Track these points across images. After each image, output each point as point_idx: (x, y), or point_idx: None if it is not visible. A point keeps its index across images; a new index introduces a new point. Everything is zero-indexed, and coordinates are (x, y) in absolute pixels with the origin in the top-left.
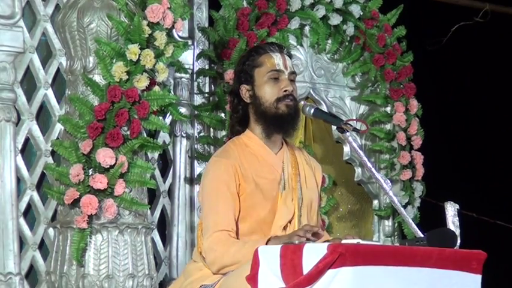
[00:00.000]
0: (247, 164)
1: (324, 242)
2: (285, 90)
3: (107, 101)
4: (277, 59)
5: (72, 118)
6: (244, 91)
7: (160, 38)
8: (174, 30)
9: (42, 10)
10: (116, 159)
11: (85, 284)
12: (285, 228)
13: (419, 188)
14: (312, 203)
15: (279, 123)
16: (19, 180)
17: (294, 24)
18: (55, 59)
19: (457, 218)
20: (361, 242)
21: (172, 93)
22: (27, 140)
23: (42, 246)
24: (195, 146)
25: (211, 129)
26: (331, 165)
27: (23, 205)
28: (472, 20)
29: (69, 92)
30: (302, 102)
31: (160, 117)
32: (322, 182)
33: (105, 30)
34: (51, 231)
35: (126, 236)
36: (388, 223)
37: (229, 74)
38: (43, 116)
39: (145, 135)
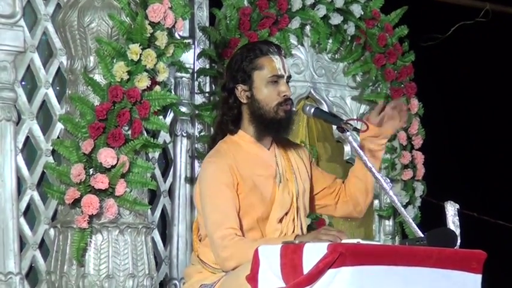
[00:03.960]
0: (243, 162)
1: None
2: (285, 95)
3: (108, 100)
4: (278, 63)
5: (73, 118)
6: (241, 91)
7: (162, 37)
8: (174, 30)
9: (42, 9)
10: (117, 159)
11: (85, 283)
12: (280, 220)
13: (420, 188)
14: (305, 192)
15: (276, 128)
16: (19, 179)
17: (295, 23)
18: (56, 58)
19: (457, 218)
20: (361, 241)
21: (173, 92)
22: (27, 140)
23: (42, 245)
24: (196, 146)
25: (212, 129)
26: (334, 164)
27: (23, 205)
28: (473, 19)
29: (70, 92)
30: (302, 102)
31: (161, 117)
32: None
33: (105, 29)
34: (51, 230)
35: (127, 235)
36: (389, 223)
37: None
38: (43, 115)
39: (145, 135)
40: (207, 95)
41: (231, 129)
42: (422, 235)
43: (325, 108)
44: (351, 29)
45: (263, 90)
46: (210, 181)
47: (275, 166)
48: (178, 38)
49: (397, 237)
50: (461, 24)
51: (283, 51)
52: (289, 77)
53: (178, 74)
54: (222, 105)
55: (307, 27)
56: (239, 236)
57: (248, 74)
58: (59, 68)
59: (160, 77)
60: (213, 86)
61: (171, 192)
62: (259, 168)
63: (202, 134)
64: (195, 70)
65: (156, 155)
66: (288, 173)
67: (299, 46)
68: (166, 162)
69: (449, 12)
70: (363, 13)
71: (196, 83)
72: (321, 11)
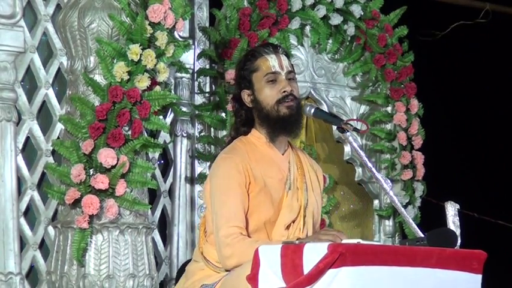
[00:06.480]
0: (256, 163)
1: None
2: (284, 91)
3: (108, 101)
4: (272, 60)
5: (73, 118)
6: (246, 96)
7: (162, 38)
8: (174, 30)
9: (43, 10)
10: (117, 160)
11: (85, 283)
12: (288, 227)
13: (420, 188)
14: (317, 204)
15: (283, 125)
16: (20, 179)
17: (295, 24)
18: (56, 58)
19: (458, 218)
20: (362, 242)
21: (173, 92)
22: (27, 140)
23: (42, 246)
24: (196, 146)
25: (212, 129)
26: (333, 165)
27: (23, 205)
28: (473, 20)
29: (70, 92)
30: (302, 102)
31: (161, 117)
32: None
33: (106, 30)
34: (51, 231)
35: (127, 235)
36: (388, 223)
37: (229, 74)
38: (44, 115)
39: (145, 135)
40: (207, 95)
41: (244, 130)
42: (423, 235)
43: (325, 108)
44: (350, 29)
45: (264, 90)
46: (222, 177)
47: (287, 172)
48: (179, 38)
49: (396, 237)
50: (461, 25)
51: (280, 49)
52: (291, 72)
53: (179, 74)
54: (233, 112)
55: (307, 28)
56: (243, 236)
57: (248, 79)
58: (59, 69)
59: (161, 77)
60: (213, 86)
61: (171, 192)
62: (272, 170)
63: (202, 134)
64: (195, 70)
65: (156, 155)
66: (299, 182)
67: (299, 46)
68: (167, 163)
69: (449, 12)
70: (362, 13)
71: (196, 83)
72: (321, 11)
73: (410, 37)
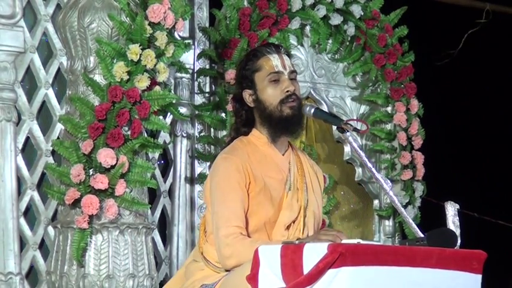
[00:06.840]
0: (256, 163)
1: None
2: (287, 91)
3: (108, 101)
4: (275, 60)
5: (72, 118)
6: (247, 96)
7: (161, 38)
8: (174, 30)
9: (42, 10)
10: (117, 159)
11: (85, 284)
12: (288, 228)
13: (419, 188)
14: (317, 205)
15: (285, 126)
16: (19, 180)
17: (295, 24)
18: (56, 58)
19: (457, 218)
20: (362, 242)
21: (173, 93)
22: (27, 140)
23: (42, 246)
24: (196, 146)
25: (212, 129)
26: (333, 165)
27: (23, 205)
28: (477, 25)
29: (70, 92)
30: (303, 102)
31: (161, 117)
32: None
33: (105, 30)
34: (51, 231)
35: (127, 236)
36: (388, 223)
37: (229, 74)
38: (44, 115)
39: (145, 135)
40: (207, 95)
41: (244, 131)
42: (423, 235)
43: (325, 108)
44: (350, 29)
45: (266, 90)
46: (222, 177)
47: (287, 172)
48: (179, 38)
49: (396, 237)
50: (461, 25)
51: (282, 49)
52: (293, 72)
53: (178, 75)
54: (234, 112)
55: (307, 28)
56: (243, 235)
57: (250, 79)
58: (58, 69)
59: (161, 77)
60: (213, 86)
61: (171, 192)
62: (272, 170)
63: (202, 134)
64: (195, 70)
65: (156, 155)
66: (300, 183)
67: (299, 46)
68: (167, 163)
69: (448, 13)
70: (362, 13)
71: (196, 83)
72: (321, 11)
73: (410, 37)
